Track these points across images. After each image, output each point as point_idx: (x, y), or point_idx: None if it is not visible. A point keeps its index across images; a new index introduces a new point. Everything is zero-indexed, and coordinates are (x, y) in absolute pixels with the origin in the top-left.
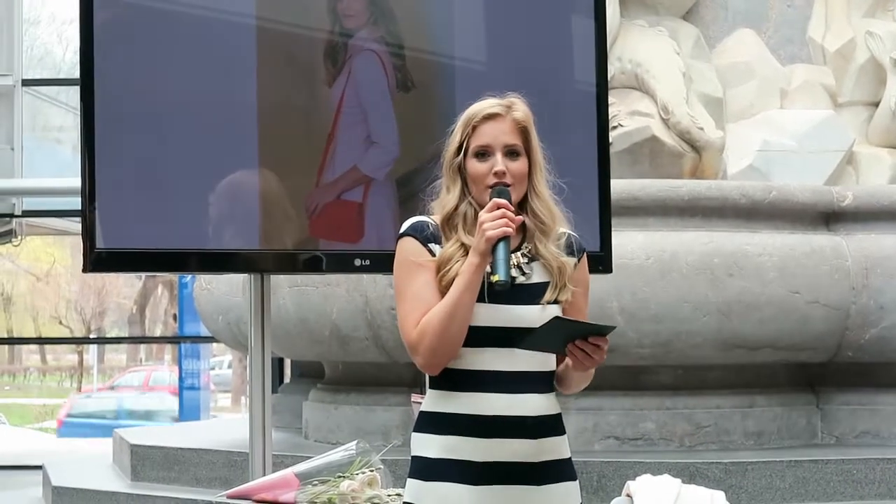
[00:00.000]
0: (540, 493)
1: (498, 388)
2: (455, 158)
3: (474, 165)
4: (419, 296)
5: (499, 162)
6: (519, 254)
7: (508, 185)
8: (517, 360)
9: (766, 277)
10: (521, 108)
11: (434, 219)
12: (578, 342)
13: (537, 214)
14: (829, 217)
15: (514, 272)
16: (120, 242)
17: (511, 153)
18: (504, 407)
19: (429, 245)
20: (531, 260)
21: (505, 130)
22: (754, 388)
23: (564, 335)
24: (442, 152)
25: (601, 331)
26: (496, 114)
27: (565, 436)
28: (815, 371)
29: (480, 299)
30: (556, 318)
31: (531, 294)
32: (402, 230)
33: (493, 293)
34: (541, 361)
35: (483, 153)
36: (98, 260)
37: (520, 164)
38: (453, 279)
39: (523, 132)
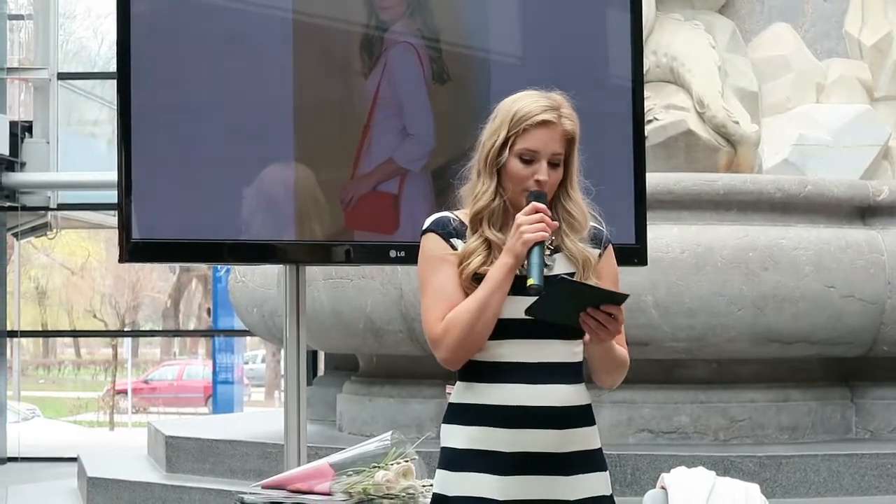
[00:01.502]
0: (567, 483)
1: (523, 379)
2: (499, 155)
3: (516, 165)
4: (441, 290)
5: (543, 170)
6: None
7: (544, 192)
8: (542, 351)
9: (802, 272)
10: (570, 116)
11: (458, 214)
12: (591, 311)
13: (570, 212)
14: (865, 211)
15: None
16: (156, 233)
17: (553, 163)
18: (529, 397)
19: (451, 240)
20: (554, 252)
21: (555, 139)
22: (789, 382)
23: (574, 301)
24: (479, 139)
25: (614, 298)
26: (549, 121)
27: (595, 426)
28: (849, 365)
29: None
30: (562, 279)
31: None
32: (424, 226)
33: (517, 287)
34: (567, 352)
35: (529, 158)
36: (134, 250)
37: (558, 174)
38: (473, 272)
39: (569, 142)
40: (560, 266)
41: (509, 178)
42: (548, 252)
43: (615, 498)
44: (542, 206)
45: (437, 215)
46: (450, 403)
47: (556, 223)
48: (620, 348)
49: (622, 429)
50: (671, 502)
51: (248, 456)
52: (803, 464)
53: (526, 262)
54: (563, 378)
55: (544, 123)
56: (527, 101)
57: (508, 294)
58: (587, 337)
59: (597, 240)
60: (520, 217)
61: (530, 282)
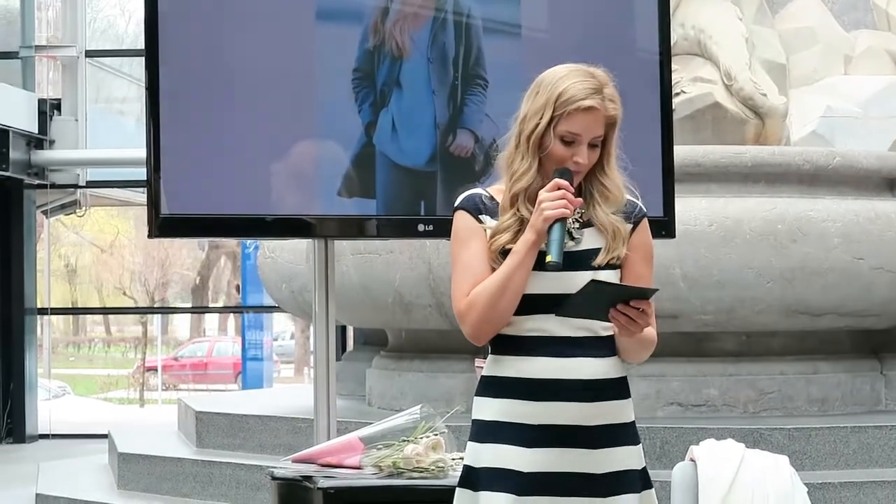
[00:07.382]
0: (596, 456)
1: (552, 352)
2: (543, 137)
3: (558, 147)
4: (469, 266)
5: (583, 154)
6: (570, 219)
7: (570, 170)
8: (571, 325)
9: (830, 243)
10: (613, 97)
11: (489, 190)
12: (620, 307)
13: (604, 184)
14: (894, 183)
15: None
16: (184, 208)
17: (592, 145)
18: (557, 370)
19: (480, 217)
20: (584, 226)
21: (598, 123)
22: (818, 354)
23: (605, 300)
24: (519, 110)
25: (643, 294)
26: (594, 107)
27: (629, 400)
28: (879, 337)
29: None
30: (593, 280)
31: (581, 260)
32: (455, 204)
33: (545, 264)
34: (598, 325)
35: (570, 140)
36: (163, 225)
37: (595, 155)
38: (501, 247)
39: (610, 124)
40: (589, 240)
41: (549, 159)
42: (577, 226)
43: None
44: (564, 182)
45: (467, 192)
46: (482, 376)
47: (579, 200)
48: (649, 329)
49: (651, 402)
50: (700, 475)
51: (277, 431)
52: (833, 436)
53: (547, 239)
54: (594, 351)
55: (589, 109)
56: (573, 82)
57: (536, 270)
58: (617, 330)
59: (629, 213)
60: (542, 193)
61: (549, 258)
